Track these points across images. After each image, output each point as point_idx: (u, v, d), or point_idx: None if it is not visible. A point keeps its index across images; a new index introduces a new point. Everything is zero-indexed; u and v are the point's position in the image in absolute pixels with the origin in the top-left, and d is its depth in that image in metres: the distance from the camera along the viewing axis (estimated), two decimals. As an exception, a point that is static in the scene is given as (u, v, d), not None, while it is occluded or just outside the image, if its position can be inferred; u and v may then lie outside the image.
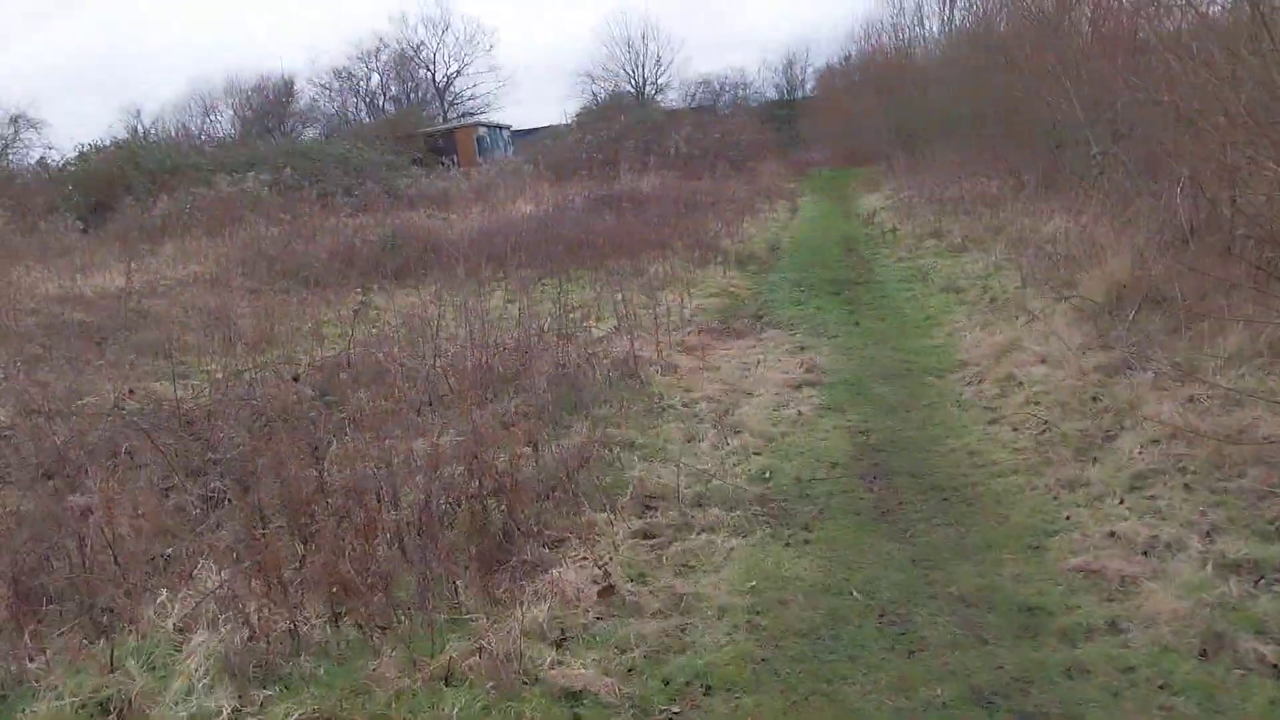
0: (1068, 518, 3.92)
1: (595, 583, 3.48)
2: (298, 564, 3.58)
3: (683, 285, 10.65)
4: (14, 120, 35.82)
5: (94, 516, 3.87)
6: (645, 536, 3.98)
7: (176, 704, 2.84)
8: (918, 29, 27.02)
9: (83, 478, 4.51)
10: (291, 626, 3.18)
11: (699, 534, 3.98)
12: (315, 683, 2.94)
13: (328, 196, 20.22)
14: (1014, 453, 4.77)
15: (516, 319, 8.74)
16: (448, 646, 3.06)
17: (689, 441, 5.28)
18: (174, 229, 17.36)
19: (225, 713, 2.79)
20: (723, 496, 4.37)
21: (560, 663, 3.00)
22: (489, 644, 3.04)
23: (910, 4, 26.76)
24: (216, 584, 3.41)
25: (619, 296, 10.38)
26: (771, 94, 47.18)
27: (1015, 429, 5.11)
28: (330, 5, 64.83)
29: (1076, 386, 5.44)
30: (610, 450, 4.95)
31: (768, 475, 4.68)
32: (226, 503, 4.40)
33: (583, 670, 2.96)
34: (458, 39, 43.97)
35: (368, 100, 43.78)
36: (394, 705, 2.83)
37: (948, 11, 24.29)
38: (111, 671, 3.01)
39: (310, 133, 42.33)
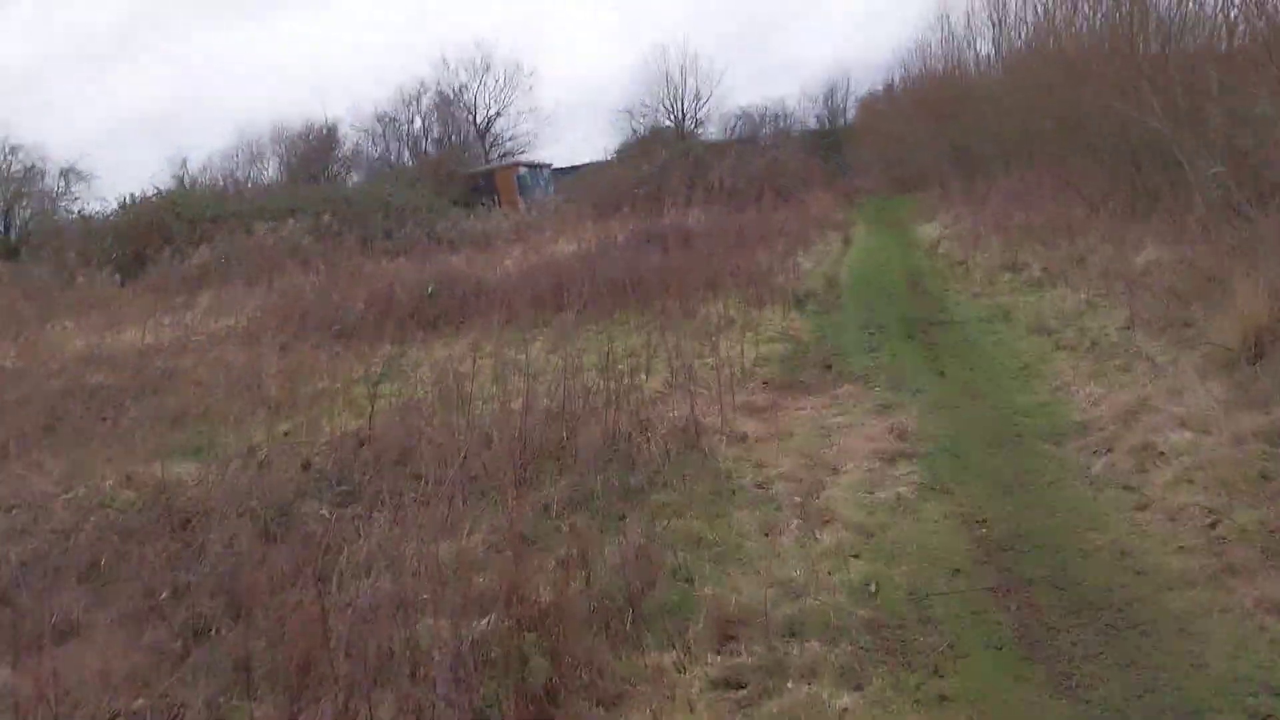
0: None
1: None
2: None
3: (740, 330, 9.80)
4: (64, 173, 36.41)
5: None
6: (727, 686, 3.11)
7: None
8: (969, 50, 26.00)
9: (46, 606, 3.76)
10: None
11: (797, 683, 3.09)
12: None
13: (368, 241, 19.78)
14: (1181, 554, 3.82)
15: (559, 374, 7.97)
16: None
17: (768, 535, 4.41)
18: (212, 279, 16.98)
19: None
20: (821, 621, 3.48)
21: None
22: None
23: (960, 25, 25.72)
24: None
25: (672, 343, 9.61)
26: (812, 123, 46.42)
27: (1172, 519, 4.15)
28: (374, 52, 65.57)
29: (1236, 459, 4.47)
30: (675, 553, 4.10)
31: (873, 588, 3.79)
32: (214, 633, 3.63)
33: None
34: (498, 81, 43.76)
35: (410, 144, 43.81)
36: None
37: (1000, 31, 23.24)
38: None
39: (354, 177, 42.53)
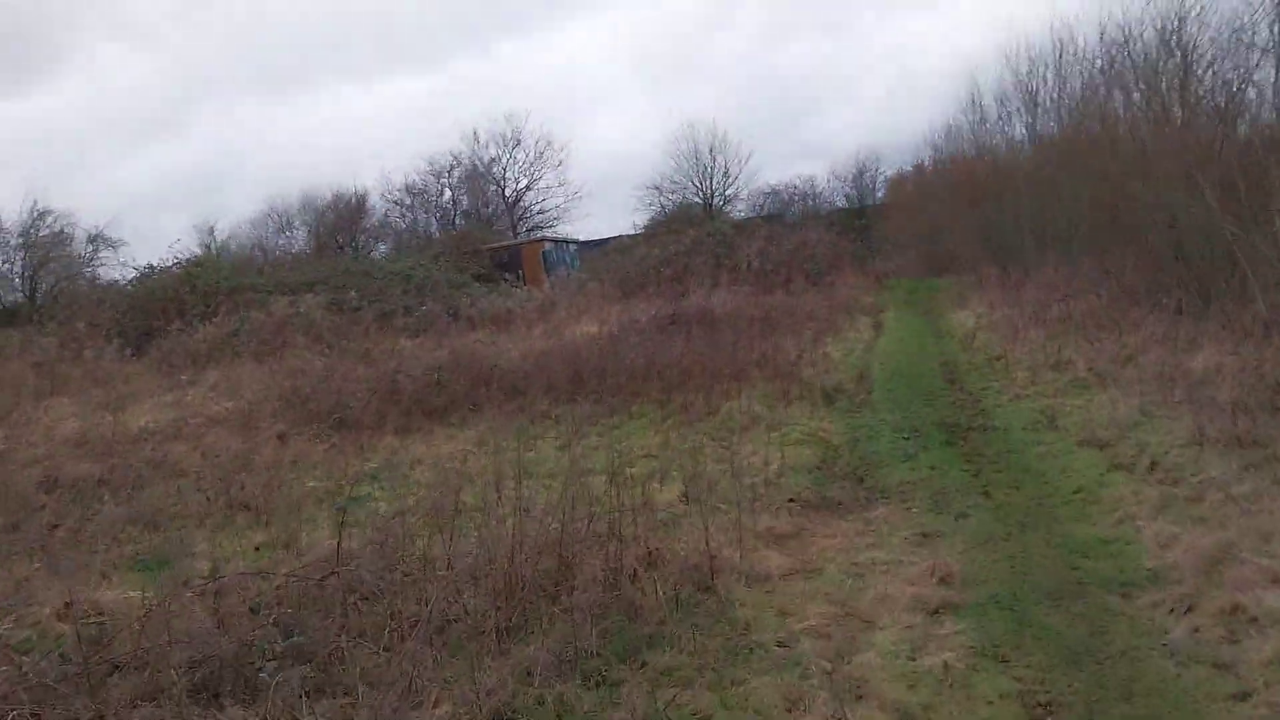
0: None
1: None
2: None
3: (764, 430, 9.15)
4: (92, 239, 36.71)
5: None
6: None
7: None
8: (1000, 132, 25.64)
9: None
10: None
11: None
12: None
13: (386, 317, 19.42)
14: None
15: (567, 479, 7.34)
16: None
17: (790, 712, 3.70)
18: (222, 355, 16.61)
19: None
20: None
21: None
22: None
23: (993, 110, 25.40)
24: None
25: (691, 444, 8.95)
26: (841, 202, 46.29)
27: (1284, 716, 3.41)
28: (408, 124, 66.74)
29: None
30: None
31: (920, 809, 3.06)
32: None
33: None
34: (527, 155, 44.05)
35: (439, 216, 44.08)
36: None
37: (1034, 114, 22.88)
38: None
39: (381, 248, 42.71)
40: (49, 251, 35.04)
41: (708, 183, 44.89)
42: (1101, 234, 16.03)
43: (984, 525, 5.96)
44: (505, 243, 32.98)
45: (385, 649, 4.15)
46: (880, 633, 4.36)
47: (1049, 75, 21.58)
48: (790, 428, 9.27)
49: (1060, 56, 20.68)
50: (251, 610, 4.38)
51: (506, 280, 26.14)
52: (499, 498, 6.43)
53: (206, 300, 19.85)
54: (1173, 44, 12.91)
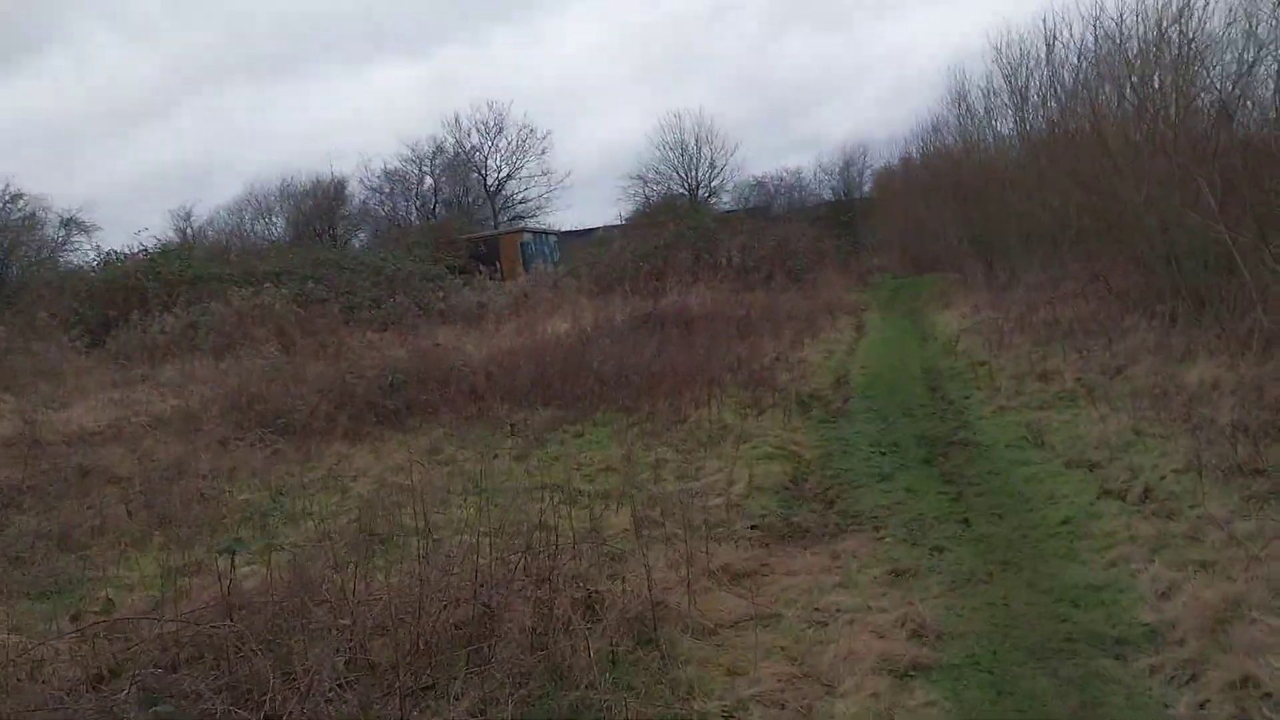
0: None
1: None
2: None
3: (734, 442, 8.61)
4: (65, 223, 35.75)
5: None
6: None
7: None
8: (988, 129, 25.06)
9: None
10: None
11: None
12: None
13: (353, 310, 18.78)
14: None
15: (500, 512, 6.81)
16: None
17: (733, 805, 3.17)
18: (180, 348, 15.94)
19: None
20: None
21: None
22: None
23: (980, 104, 24.82)
24: None
25: (651, 457, 8.42)
26: (827, 195, 45.76)
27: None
28: (395, 113, 65.70)
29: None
30: None
31: None
32: None
33: None
34: (510, 143, 43.26)
35: (419, 204, 43.29)
36: None
37: (1022, 110, 22.31)
38: None
39: (361, 236, 41.94)
40: (19, 235, 34.09)
41: (693, 174, 44.31)
42: (1091, 235, 15.54)
43: (963, 562, 5.44)
44: (483, 233, 32.28)
45: (268, 718, 3.59)
46: (841, 701, 3.82)
47: (1039, 69, 21.03)
48: (761, 440, 8.74)
49: (1051, 50, 20.13)
50: (110, 672, 3.80)
51: (483, 272, 25.49)
52: (423, 527, 5.88)
53: (171, 290, 19.15)
54: (1169, 36, 12.38)
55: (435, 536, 5.80)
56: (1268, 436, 6.77)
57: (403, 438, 9.58)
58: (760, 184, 44.89)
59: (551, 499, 7.18)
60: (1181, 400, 8.21)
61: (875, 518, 6.44)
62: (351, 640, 4.12)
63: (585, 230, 40.62)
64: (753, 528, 6.20)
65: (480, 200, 43.57)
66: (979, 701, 3.81)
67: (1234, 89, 11.25)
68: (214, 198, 60.10)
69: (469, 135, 43.08)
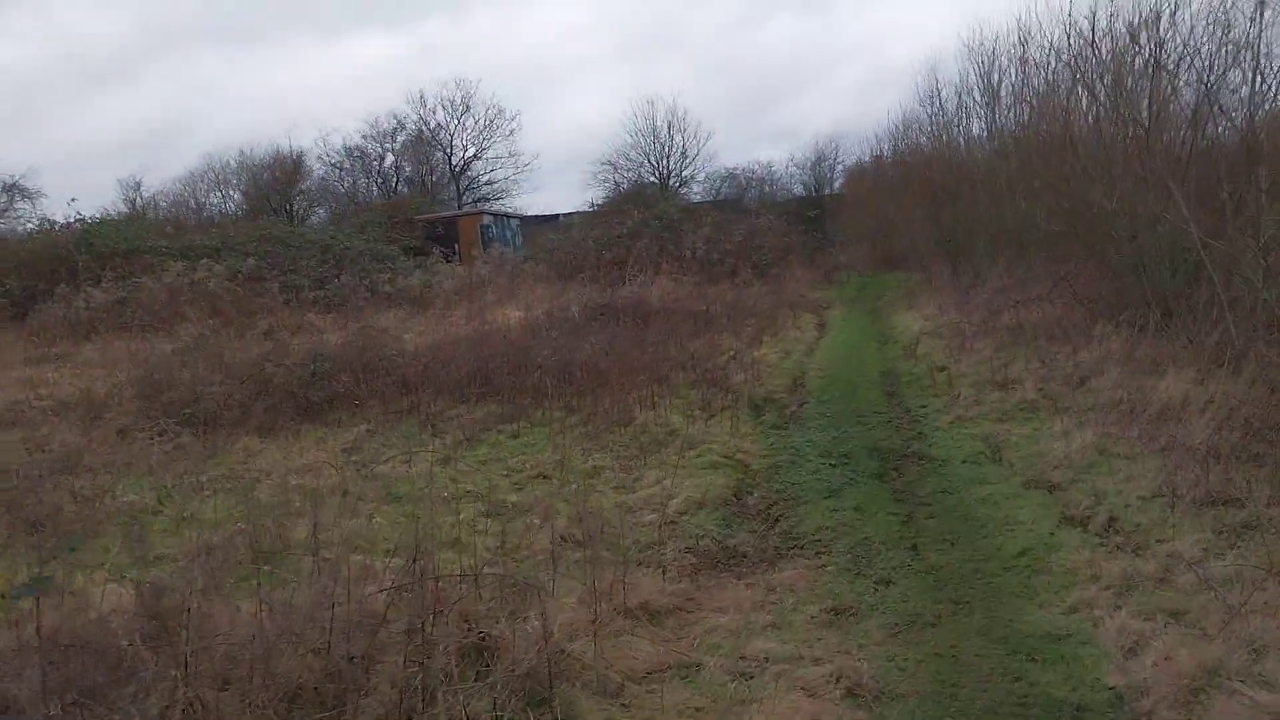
0: None
1: None
2: None
3: (678, 452, 8.03)
4: (7, 189, 34.33)
5: None
6: None
7: None
8: (959, 129, 24.65)
9: None
10: None
11: None
12: None
13: (295, 291, 17.95)
14: None
15: (433, 504, 6.16)
16: None
17: None
18: (106, 325, 15.07)
19: None
20: None
21: None
22: None
23: (952, 102, 24.39)
24: None
25: (587, 465, 7.83)
26: (799, 190, 45.26)
27: None
28: (369, 86, 63.98)
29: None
30: None
31: None
32: None
33: None
34: (477, 122, 42.25)
35: (380, 181, 42.19)
36: None
37: (994, 110, 21.90)
38: None
39: (320, 213, 40.78)
40: (-44, 199, 32.69)
41: (664, 162, 43.58)
42: (1059, 239, 15.14)
43: (909, 598, 4.90)
44: (441, 214, 31.39)
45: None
46: (758, 783, 3.26)
47: (1012, 69, 20.60)
48: (707, 447, 8.17)
49: (1024, 49, 19.70)
50: None
51: (440, 254, 24.68)
52: (313, 544, 5.24)
53: (103, 263, 18.20)
54: (1142, 38, 11.96)
55: (326, 556, 5.15)
56: (1240, 460, 6.32)
57: (321, 433, 8.91)
58: (733, 175, 44.27)
59: (471, 510, 6.61)
60: (1149, 416, 7.76)
61: (819, 541, 5.89)
62: (191, 694, 3.48)
63: (551, 216, 39.79)
64: (686, 550, 5.62)
65: (445, 180, 42.56)
66: (918, 786, 3.26)
67: (1207, 95, 10.82)
68: (172, 168, 58.27)
69: (434, 113, 42.05)
